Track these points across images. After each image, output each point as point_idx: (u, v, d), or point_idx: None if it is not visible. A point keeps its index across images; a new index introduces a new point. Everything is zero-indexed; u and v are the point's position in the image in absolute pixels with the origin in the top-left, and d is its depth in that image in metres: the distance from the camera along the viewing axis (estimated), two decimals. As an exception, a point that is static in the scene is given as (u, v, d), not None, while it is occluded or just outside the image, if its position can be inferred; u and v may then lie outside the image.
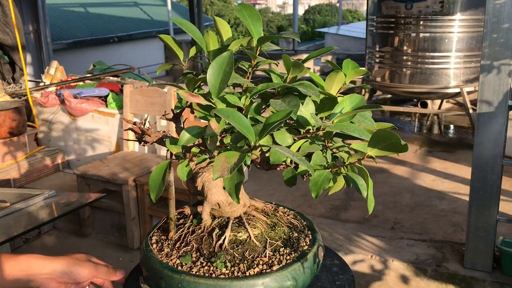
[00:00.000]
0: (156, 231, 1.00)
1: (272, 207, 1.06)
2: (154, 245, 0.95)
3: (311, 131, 0.83)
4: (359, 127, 0.79)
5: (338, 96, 0.87)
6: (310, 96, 0.84)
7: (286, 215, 1.05)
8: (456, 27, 5.10)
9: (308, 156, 0.84)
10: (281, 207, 1.08)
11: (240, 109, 0.85)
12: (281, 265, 0.86)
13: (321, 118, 0.85)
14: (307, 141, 0.85)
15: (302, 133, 0.84)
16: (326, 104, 0.85)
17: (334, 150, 0.87)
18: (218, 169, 0.72)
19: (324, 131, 0.82)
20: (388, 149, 0.76)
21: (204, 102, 0.81)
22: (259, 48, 0.86)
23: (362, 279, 2.64)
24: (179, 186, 2.64)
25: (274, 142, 0.82)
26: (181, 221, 1.01)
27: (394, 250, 2.81)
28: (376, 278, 2.64)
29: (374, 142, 0.76)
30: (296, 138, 0.84)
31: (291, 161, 0.85)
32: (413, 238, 2.98)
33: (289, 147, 0.82)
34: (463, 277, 2.54)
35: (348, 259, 2.72)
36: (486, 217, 2.49)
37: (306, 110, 0.83)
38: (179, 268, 0.87)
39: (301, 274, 0.86)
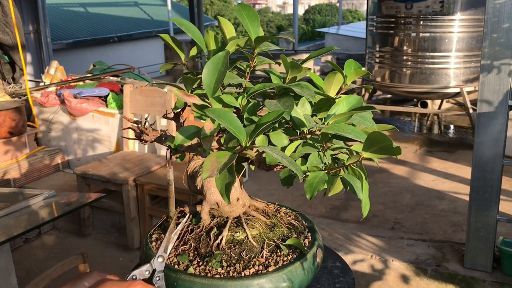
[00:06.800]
0: (156, 230, 1.00)
1: (274, 208, 1.06)
2: (154, 243, 0.95)
3: (305, 132, 0.82)
4: (356, 128, 0.78)
5: (337, 97, 0.86)
6: (306, 97, 0.83)
7: (287, 215, 1.05)
8: (456, 27, 5.09)
9: (307, 157, 0.84)
10: (283, 208, 1.08)
11: (237, 109, 0.85)
12: (277, 266, 0.85)
13: (320, 119, 0.85)
14: (304, 142, 0.84)
15: (298, 134, 0.83)
16: (324, 105, 0.85)
17: (336, 152, 0.86)
18: (208, 169, 0.72)
19: (320, 132, 0.81)
20: (381, 152, 0.75)
21: (199, 102, 0.81)
22: (256, 48, 0.85)
23: (362, 279, 2.64)
24: (179, 185, 2.64)
25: (270, 143, 0.81)
26: (181, 219, 1.01)
27: (394, 250, 2.81)
28: (376, 278, 2.64)
29: (368, 144, 0.76)
30: (292, 139, 0.83)
31: None
32: (413, 238, 2.98)
33: (284, 147, 0.81)
34: (463, 277, 2.54)
35: (348, 259, 2.72)
36: (486, 217, 2.49)
37: (302, 111, 0.83)
38: (176, 266, 0.87)
39: (297, 275, 0.85)
